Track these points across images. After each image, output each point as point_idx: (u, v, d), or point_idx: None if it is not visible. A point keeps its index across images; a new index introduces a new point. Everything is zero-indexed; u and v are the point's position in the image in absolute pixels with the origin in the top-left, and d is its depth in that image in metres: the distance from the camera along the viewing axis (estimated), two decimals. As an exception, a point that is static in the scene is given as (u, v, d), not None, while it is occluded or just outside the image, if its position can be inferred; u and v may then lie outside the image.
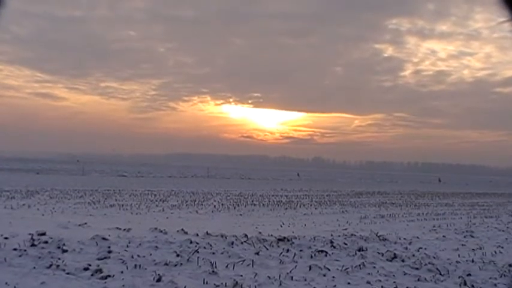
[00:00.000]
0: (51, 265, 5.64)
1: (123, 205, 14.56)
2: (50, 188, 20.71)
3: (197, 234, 8.35)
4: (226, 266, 6.12)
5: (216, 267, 6.00)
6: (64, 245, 6.72)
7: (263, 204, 17.04)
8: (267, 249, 7.43)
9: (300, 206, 16.94)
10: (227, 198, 19.60)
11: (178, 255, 6.57)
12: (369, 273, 6.10)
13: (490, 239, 10.11)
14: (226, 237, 8.15)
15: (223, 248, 7.25)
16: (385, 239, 9.10)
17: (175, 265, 6.07)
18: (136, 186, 25.75)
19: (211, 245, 7.39)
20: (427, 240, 9.36)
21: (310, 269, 6.18)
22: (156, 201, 16.62)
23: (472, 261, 7.33)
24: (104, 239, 7.34)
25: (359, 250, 7.67)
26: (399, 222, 12.97)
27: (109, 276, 5.29)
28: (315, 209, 16.32)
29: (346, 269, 6.26)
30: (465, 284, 5.80)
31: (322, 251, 7.39)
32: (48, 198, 15.66)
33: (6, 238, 6.96)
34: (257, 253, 7.07)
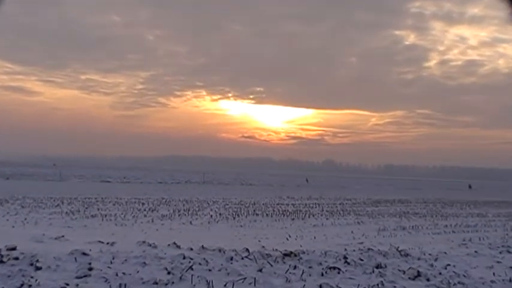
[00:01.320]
0: (22, 285, 5.63)
1: (106, 215, 14.59)
2: (22, 195, 20.77)
3: (191, 249, 8.37)
4: (225, 285, 6.12)
5: (212, 286, 6.01)
6: (38, 261, 6.71)
7: (267, 214, 17.07)
8: (271, 265, 7.41)
9: (309, 216, 16.97)
10: (225, 207, 19.66)
11: (169, 273, 6.56)
12: (389, 294, 6.07)
13: (529, 255, 10.03)
14: (224, 252, 8.16)
15: (221, 264, 7.24)
16: (407, 255, 9.06)
17: (166, 284, 6.06)
18: (121, 193, 25.84)
19: (207, 261, 7.39)
20: (456, 256, 9.31)
21: (320, 288, 6.19)
22: (145, 210, 16.69)
23: (510, 280, 7.27)
24: (84, 254, 7.34)
25: (377, 267, 7.63)
26: (423, 235, 12.94)
27: (90, 296, 5.30)
28: (326, 219, 16.32)
29: (363, 288, 6.20)
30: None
31: (334, 268, 7.36)
32: (20, 208, 15.69)
33: (-30, 254, 6.98)
34: (260, 270, 7.05)
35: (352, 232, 12.92)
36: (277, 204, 22.54)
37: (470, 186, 62.22)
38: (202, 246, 8.62)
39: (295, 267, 7.33)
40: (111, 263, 7.02)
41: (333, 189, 43.35)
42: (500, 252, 10.16)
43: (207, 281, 6.24)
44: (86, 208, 16.60)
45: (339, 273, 7.19)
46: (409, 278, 7.11)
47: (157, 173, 71.49)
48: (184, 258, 7.49)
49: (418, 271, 7.41)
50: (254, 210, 18.28)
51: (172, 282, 6.18)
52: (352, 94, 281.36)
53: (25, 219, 12.80)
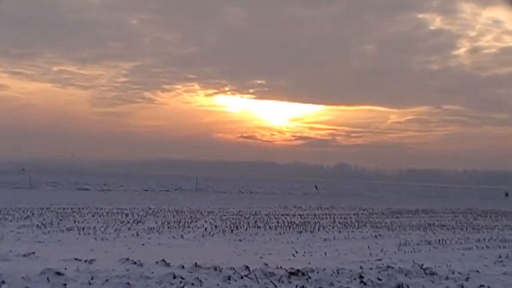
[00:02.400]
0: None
1: (84, 228, 14.60)
2: (-14, 206, 20.71)
3: (182, 267, 8.38)
4: (221, 309, 6.13)
5: (207, 310, 6.03)
6: (3, 282, 6.73)
7: (270, 227, 17.09)
8: (275, 286, 7.42)
9: (318, 229, 16.99)
10: (222, 218, 19.70)
11: (157, 295, 6.58)
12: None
13: None
14: (221, 270, 8.17)
15: (217, 285, 7.26)
16: (433, 273, 9.06)
17: (153, 308, 6.08)
18: (101, 203, 25.92)
19: (200, 281, 7.40)
20: (491, 276, 9.29)
21: (333, 312, 6.21)
22: (128, 222, 16.73)
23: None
24: (57, 273, 7.36)
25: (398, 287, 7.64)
26: (452, 251, 12.94)
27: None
28: (339, 232, 16.34)
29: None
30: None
31: (348, 289, 7.37)
32: (-17, 220, 15.73)
33: None
34: (262, 291, 7.07)
35: (368, 247, 12.91)
36: (282, 214, 22.56)
37: (506, 194, 62.12)
38: (196, 263, 8.63)
39: (303, 288, 7.35)
40: (90, 284, 7.05)
41: (346, 198, 43.31)
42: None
43: (200, 304, 6.26)
44: (60, 220, 16.60)
45: (353, 294, 7.20)
46: (436, 300, 7.12)
47: (143, 179, 71.56)
48: (174, 277, 7.50)
49: (446, 292, 7.41)
50: (255, 222, 18.32)
51: (161, 306, 6.18)
52: (368, 87, 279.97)
53: (-11, 233, 12.80)
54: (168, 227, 15.81)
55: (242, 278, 7.85)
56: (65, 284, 6.82)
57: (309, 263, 9.93)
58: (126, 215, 19.42)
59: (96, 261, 8.79)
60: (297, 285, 7.51)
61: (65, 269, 7.66)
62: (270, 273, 8.23)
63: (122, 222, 16.58)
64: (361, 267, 9.37)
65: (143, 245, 12.10)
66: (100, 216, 18.62)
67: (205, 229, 15.74)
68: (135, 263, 8.69)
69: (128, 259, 9.06)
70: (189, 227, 16.22)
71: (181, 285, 7.12)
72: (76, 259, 8.95)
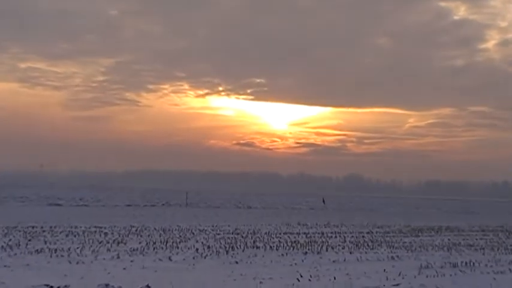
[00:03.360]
0: None
1: (56, 250, 14.58)
2: None
3: (170, 294, 8.39)
4: None
5: None
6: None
7: (271, 247, 17.10)
8: (278, 315, 7.41)
9: (326, 249, 17.01)
10: (216, 237, 19.73)
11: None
12: None
13: None
14: (214, 298, 8.16)
15: (210, 315, 7.23)
16: (460, 300, 9.04)
17: None
18: (77, 220, 25.88)
19: (191, 310, 7.37)
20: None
21: None
22: (108, 243, 16.72)
23: None
24: (26, 301, 7.31)
25: (419, 317, 7.63)
26: (481, 275, 12.89)
27: None
28: (350, 253, 16.33)
29: None
30: None
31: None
32: None
33: None
34: (262, 322, 7.06)
35: (384, 271, 12.85)
36: (285, 233, 22.63)
37: None
38: (185, 290, 8.62)
39: (309, 318, 7.34)
40: (63, 313, 7.03)
41: (359, 213, 43.37)
42: None
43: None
44: (29, 240, 16.53)
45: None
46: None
47: (125, 192, 71.53)
48: (160, 306, 7.46)
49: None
50: (254, 242, 18.33)
51: None
52: (383, 87, 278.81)
53: None
54: (154, 248, 15.79)
55: (239, 306, 7.82)
56: (34, 314, 6.79)
57: (316, 288, 9.94)
58: (105, 234, 19.46)
59: (70, 287, 8.76)
60: (302, 315, 7.49)
61: (35, 296, 7.73)
62: (271, 300, 8.22)
63: (100, 243, 16.57)
64: (376, 294, 9.36)
65: (125, 269, 12.01)
66: (75, 235, 18.61)
67: (197, 250, 15.74)
68: (115, 289, 8.72)
69: (107, 285, 9.04)
70: (178, 247, 16.22)
71: (169, 314, 7.08)
72: (47, 286, 8.92)
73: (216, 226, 24.98)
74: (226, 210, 44.03)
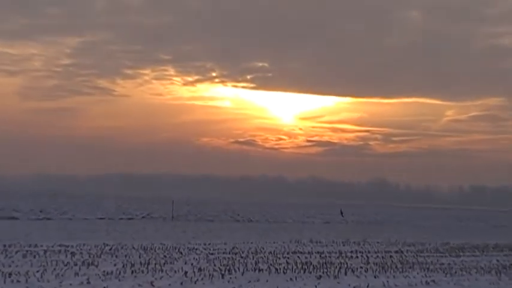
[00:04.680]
0: None
1: (11, 274, 14.44)
2: None
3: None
4: None
5: None
6: None
7: (277, 269, 17.03)
8: None
9: (345, 272, 16.95)
10: (209, 257, 19.70)
11: None
12: None
13: None
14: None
15: None
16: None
17: None
18: (37, 237, 25.76)
19: None
20: None
21: None
22: (76, 265, 16.63)
23: None
24: None
25: None
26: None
27: None
28: (375, 277, 16.26)
29: None
30: None
31: None
32: None
33: None
34: None
35: (418, 298, 12.78)
36: (294, 252, 22.59)
37: None
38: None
39: None
40: None
41: (385, 228, 43.35)
42: None
43: None
44: (-22, 262, 16.28)
45: None
46: None
47: (97, 202, 71.48)
48: None
49: None
50: (256, 263, 18.29)
51: None
52: (414, 71, 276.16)
53: None
54: (133, 271, 15.68)
55: None
56: None
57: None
58: (73, 254, 19.36)
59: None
60: None
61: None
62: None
63: (66, 265, 16.46)
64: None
65: (96, 296, 11.93)
66: (35, 256, 18.47)
67: (186, 273, 15.65)
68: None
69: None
70: (162, 270, 16.12)
71: None
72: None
73: (209, 244, 24.96)
74: (221, 224, 44.15)
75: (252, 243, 26.22)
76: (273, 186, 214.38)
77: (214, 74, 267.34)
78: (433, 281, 15.95)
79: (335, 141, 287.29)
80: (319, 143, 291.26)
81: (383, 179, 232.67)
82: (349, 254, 22.37)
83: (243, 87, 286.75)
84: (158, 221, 44.24)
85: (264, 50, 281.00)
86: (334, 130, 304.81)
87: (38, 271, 15.11)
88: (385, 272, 17.57)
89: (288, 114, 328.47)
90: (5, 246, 21.20)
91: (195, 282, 14.36)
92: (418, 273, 17.41)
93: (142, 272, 15.76)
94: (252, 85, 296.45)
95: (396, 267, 18.74)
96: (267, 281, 14.93)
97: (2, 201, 64.15)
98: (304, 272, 16.90)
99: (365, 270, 17.59)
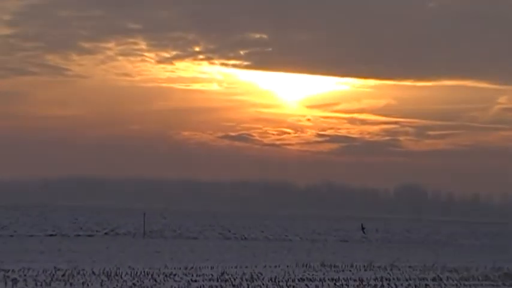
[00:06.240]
0: None
1: None
2: None
3: None
4: None
5: None
6: None
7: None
8: None
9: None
10: (191, 286, 18.31)
11: None
12: None
13: None
14: None
15: None
16: None
17: None
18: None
19: None
20: None
21: None
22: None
23: None
24: None
25: None
26: None
27: None
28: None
29: None
30: None
31: None
32: None
33: None
34: None
35: None
36: (301, 279, 20.96)
37: None
38: None
39: None
40: None
41: (419, 248, 41.84)
42: None
43: None
44: None
45: None
46: None
47: (46, 215, 69.24)
48: None
49: None
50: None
51: None
52: (458, 47, 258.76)
53: None
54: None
55: None
56: None
57: None
58: (15, 281, 17.75)
59: None
60: None
61: None
62: None
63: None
64: None
65: None
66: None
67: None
68: None
69: None
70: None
71: None
72: None
73: (192, 268, 23.35)
74: (207, 242, 42.21)
75: (246, 267, 24.52)
76: (275, 193, 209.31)
77: (197, 49, 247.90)
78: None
79: (354, 136, 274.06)
80: (333, 138, 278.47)
81: (416, 185, 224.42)
82: (372, 283, 20.71)
83: (235, 65, 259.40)
84: (126, 239, 42.57)
85: (262, 21, 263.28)
86: (353, 121, 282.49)
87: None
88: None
89: (293, 101, 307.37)
90: None
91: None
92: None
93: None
94: (246, 63, 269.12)
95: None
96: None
97: None
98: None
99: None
